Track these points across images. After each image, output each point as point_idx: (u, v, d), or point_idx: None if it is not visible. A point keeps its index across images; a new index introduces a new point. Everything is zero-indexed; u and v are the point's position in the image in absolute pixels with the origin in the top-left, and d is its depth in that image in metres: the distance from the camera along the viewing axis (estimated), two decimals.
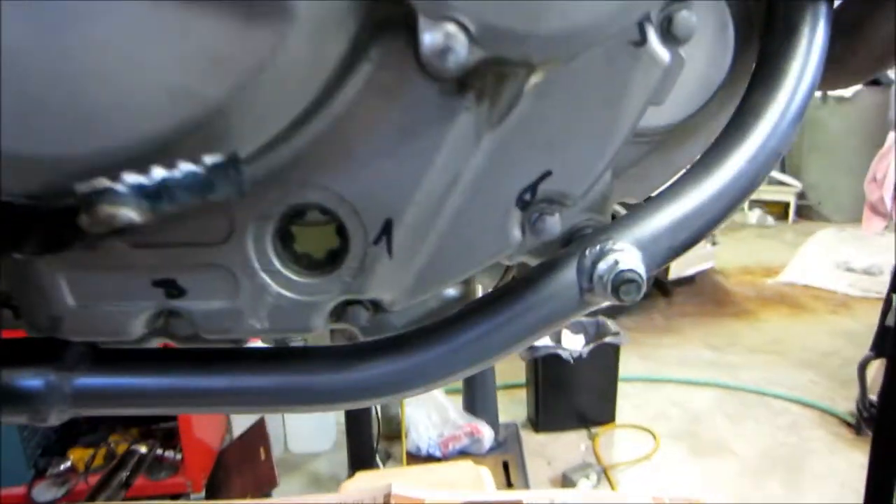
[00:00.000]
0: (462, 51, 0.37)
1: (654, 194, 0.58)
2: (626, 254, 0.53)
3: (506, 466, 2.84)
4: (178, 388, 0.55)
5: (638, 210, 0.57)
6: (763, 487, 2.85)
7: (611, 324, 3.23)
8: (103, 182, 0.32)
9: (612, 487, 2.88)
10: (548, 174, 0.49)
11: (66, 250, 0.40)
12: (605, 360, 3.14)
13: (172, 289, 0.49)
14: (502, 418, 3.07)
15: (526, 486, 2.76)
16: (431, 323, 0.57)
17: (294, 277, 0.49)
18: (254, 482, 2.55)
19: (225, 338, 0.51)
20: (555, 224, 0.51)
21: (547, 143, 0.49)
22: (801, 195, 6.24)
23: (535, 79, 0.46)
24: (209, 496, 2.52)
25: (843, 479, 2.80)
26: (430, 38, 0.37)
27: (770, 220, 6.19)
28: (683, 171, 0.58)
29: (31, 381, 0.53)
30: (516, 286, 0.56)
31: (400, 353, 0.56)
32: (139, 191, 0.33)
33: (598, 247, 0.55)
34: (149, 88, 0.38)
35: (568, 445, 3.18)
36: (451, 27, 0.37)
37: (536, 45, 0.37)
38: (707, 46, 0.59)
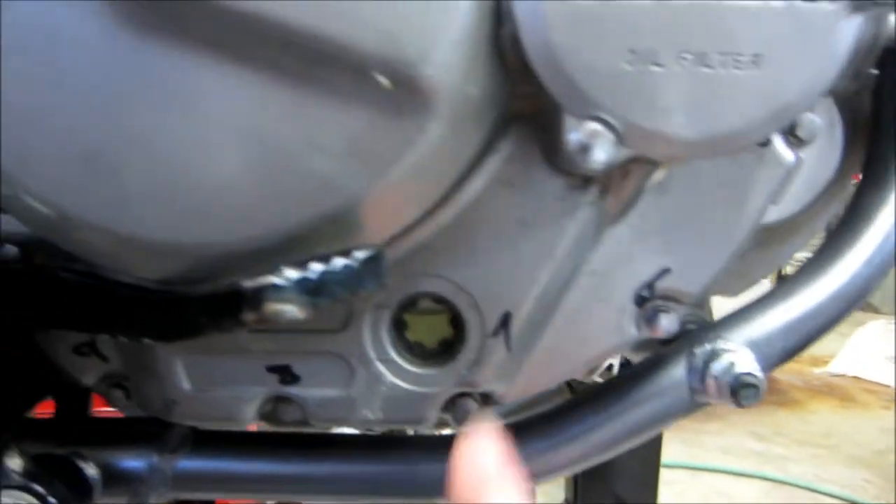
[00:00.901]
0: (608, 151, 0.38)
1: (763, 293, 0.57)
2: (740, 355, 0.52)
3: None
4: (281, 475, 0.54)
5: (748, 309, 0.56)
6: None
7: None
8: (270, 278, 0.32)
9: None
10: (666, 271, 0.49)
11: (195, 338, 0.41)
12: (646, 444, 3.03)
13: (287, 375, 0.48)
14: (540, 499, 2.96)
15: None
16: (535, 415, 0.56)
17: (409, 367, 0.49)
18: None
19: (335, 426, 0.50)
20: (672, 322, 0.50)
21: (667, 240, 0.48)
22: None
23: (659, 175, 0.46)
24: None
25: None
26: (575, 136, 0.38)
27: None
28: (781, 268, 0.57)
29: (134, 462, 0.53)
30: (622, 383, 0.55)
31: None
32: (302, 287, 0.33)
33: (707, 346, 0.54)
34: (295, 180, 0.39)
35: None
36: (598, 126, 0.38)
37: (685, 148, 0.38)
38: (816, 145, 0.59)
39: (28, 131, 0.38)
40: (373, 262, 0.37)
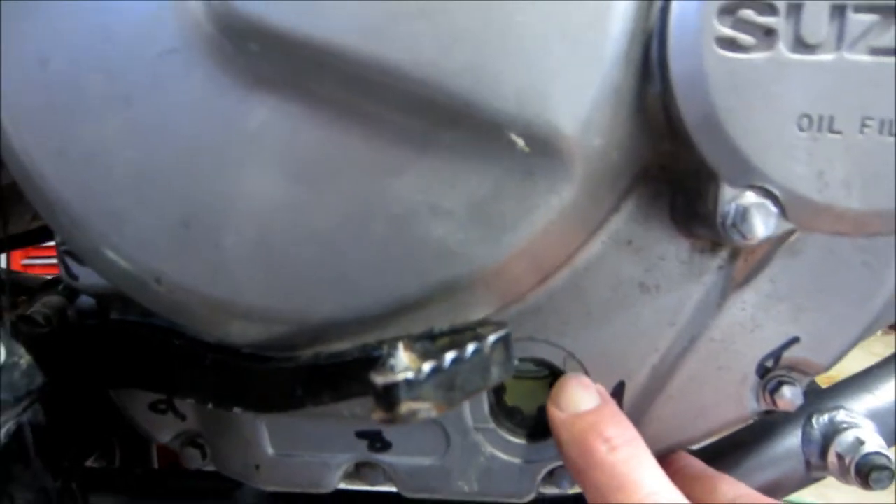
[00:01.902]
0: (768, 225, 0.34)
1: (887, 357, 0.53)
2: (866, 431, 0.48)
3: None
4: None
5: (867, 375, 0.52)
6: None
7: None
8: (406, 373, 0.28)
9: None
10: (795, 341, 0.44)
11: (295, 409, 0.37)
12: None
13: (378, 441, 0.45)
14: None
15: None
16: None
17: (510, 438, 0.45)
18: None
19: (427, 497, 0.46)
20: (796, 395, 0.45)
21: (797, 307, 0.44)
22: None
23: (794, 237, 0.42)
24: None
25: None
26: (732, 208, 0.34)
27: None
28: None
29: None
30: (730, 449, 0.51)
31: None
32: (436, 381, 0.29)
33: (826, 416, 0.50)
34: (412, 247, 0.35)
35: None
36: (759, 198, 0.33)
37: (855, 225, 0.33)
38: None
39: (124, 188, 0.35)
40: (502, 345, 0.33)
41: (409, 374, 0.28)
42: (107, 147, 0.35)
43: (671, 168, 0.38)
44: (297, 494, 0.51)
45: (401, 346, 0.33)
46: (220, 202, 0.35)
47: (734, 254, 0.42)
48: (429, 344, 0.34)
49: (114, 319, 0.45)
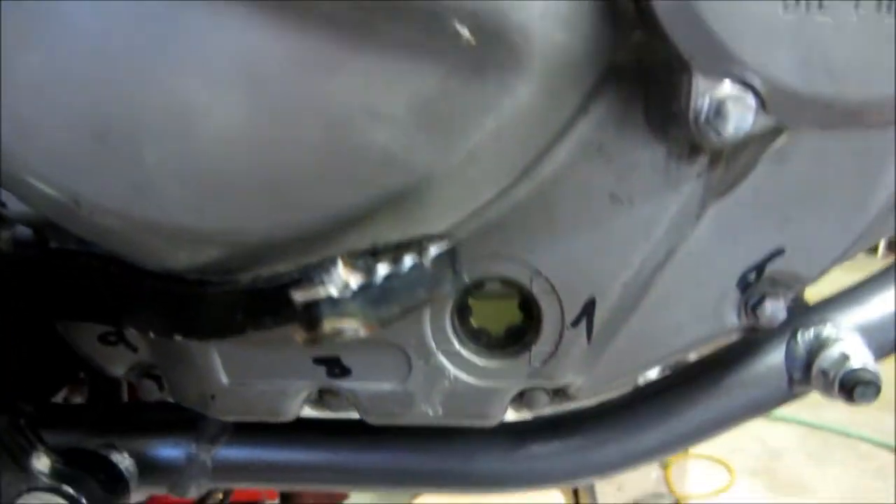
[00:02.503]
0: (746, 119, 0.30)
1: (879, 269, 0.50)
2: (853, 345, 0.45)
3: (575, 491, 2.75)
4: (324, 465, 0.50)
5: (860, 289, 0.49)
6: None
7: None
8: (326, 290, 0.25)
9: None
10: (779, 252, 0.41)
11: (237, 336, 0.35)
12: None
13: (336, 367, 0.43)
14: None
15: None
16: (610, 402, 0.50)
17: (474, 360, 0.43)
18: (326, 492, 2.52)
19: (391, 423, 0.45)
20: (779, 309, 0.43)
21: (782, 217, 0.41)
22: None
23: (781, 141, 0.38)
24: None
25: None
26: (706, 101, 0.30)
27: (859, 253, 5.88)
28: None
29: (172, 451, 0.48)
30: (711, 368, 0.49)
31: (573, 438, 0.49)
32: (364, 297, 0.26)
33: (812, 331, 0.47)
34: (351, 156, 0.32)
35: (639, 473, 3.04)
36: (736, 88, 0.30)
37: (844, 117, 0.30)
38: None
39: (28, 97, 0.31)
40: (446, 259, 0.30)
41: (332, 291, 0.26)
42: (5, 50, 0.31)
43: (644, 62, 0.34)
44: (261, 424, 0.50)
45: (339, 261, 0.31)
46: (137, 112, 0.31)
47: (714, 160, 0.38)
48: (371, 260, 0.31)
49: (52, 249, 0.42)
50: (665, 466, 3.05)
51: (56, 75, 0.31)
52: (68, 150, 0.32)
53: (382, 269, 0.28)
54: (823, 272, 0.43)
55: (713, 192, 0.40)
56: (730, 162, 0.39)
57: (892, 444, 3.15)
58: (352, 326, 0.26)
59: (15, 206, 0.41)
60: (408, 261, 0.29)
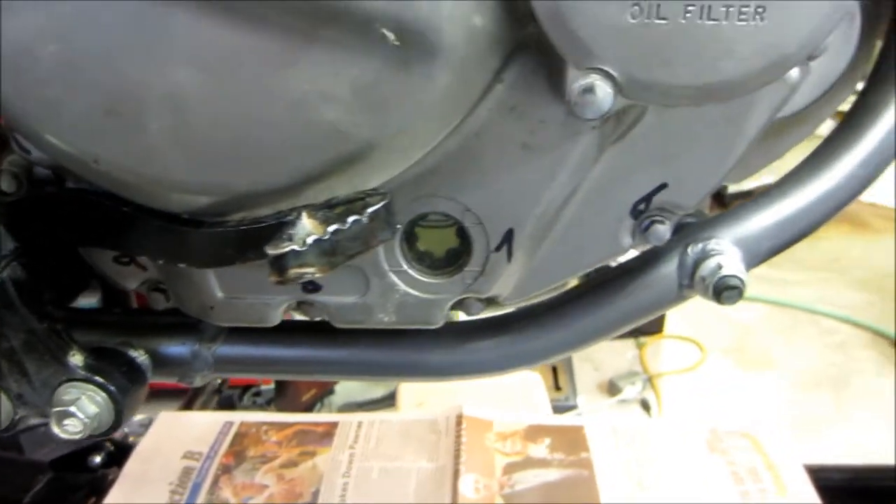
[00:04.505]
0: (607, 101, 0.39)
1: (761, 193, 0.59)
2: (729, 257, 0.55)
3: (554, 370, 2.94)
4: (305, 359, 0.61)
5: (744, 208, 0.59)
6: (806, 403, 2.89)
7: None
8: (290, 245, 0.35)
9: (657, 396, 2.97)
10: (663, 186, 0.51)
11: (227, 265, 0.45)
12: None
13: (309, 284, 0.53)
14: None
15: (573, 390, 2.86)
16: (535, 304, 0.61)
17: (420, 277, 0.53)
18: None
19: (356, 327, 0.56)
20: (665, 231, 0.53)
21: (665, 157, 0.50)
22: None
23: None
24: (278, 389, 2.70)
25: (889, 399, 2.82)
26: (576, 86, 0.39)
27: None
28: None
29: (179, 349, 0.59)
30: (617, 275, 0.60)
31: (505, 335, 0.61)
32: (318, 249, 0.36)
33: (700, 245, 0.57)
34: (307, 128, 0.41)
35: (615, 353, 3.24)
36: (598, 78, 0.38)
37: (681, 98, 0.39)
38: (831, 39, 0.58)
39: (51, 79, 0.40)
40: (381, 213, 0.40)
41: (294, 247, 0.36)
42: (32, 43, 0.39)
43: (542, 45, 0.43)
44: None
45: (304, 214, 0.40)
46: (139, 92, 0.40)
47: (606, 116, 0.47)
48: (328, 212, 0.41)
49: (69, 188, 0.51)
50: (640, 346, 3.25)
51: (73, 64, 0.39)
52: (86, 123, 0.40)
53: (331, 228, 0.37)
54: (700, 201, 0.52)
55: (607, 139, 0.49)
56: (620, 116, 0.48)
57: (854, 318, 3.34)
58: (310, 271, 0.36)
59: (35, 152, 0.50)
60: (350, 219, 0.38)
